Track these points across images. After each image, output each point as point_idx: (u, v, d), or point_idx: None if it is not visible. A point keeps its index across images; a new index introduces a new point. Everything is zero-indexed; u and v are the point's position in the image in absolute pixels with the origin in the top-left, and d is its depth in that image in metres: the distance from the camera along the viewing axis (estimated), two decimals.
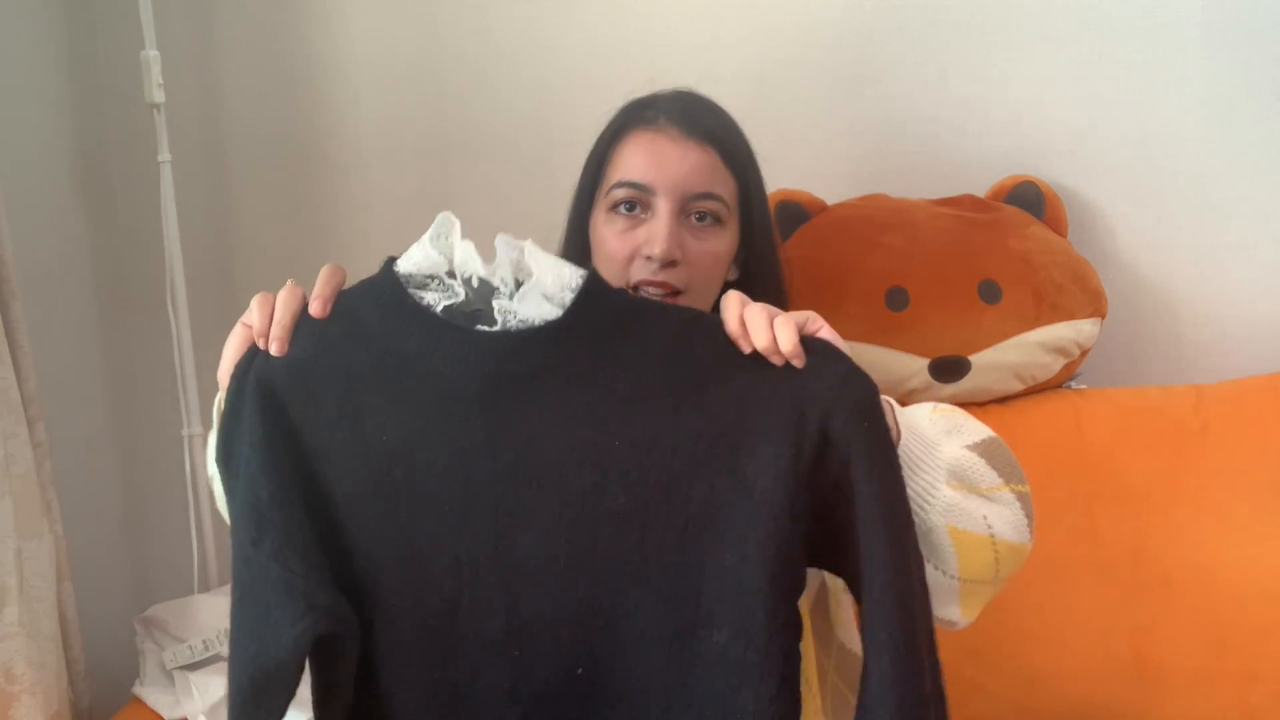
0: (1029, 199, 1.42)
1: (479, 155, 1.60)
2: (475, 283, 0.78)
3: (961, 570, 0.83)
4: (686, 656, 0.75)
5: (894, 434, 0.80)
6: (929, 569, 0.82)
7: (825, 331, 0.77)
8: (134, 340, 1.68)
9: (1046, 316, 1.35)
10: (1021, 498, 0.86)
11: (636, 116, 1.02)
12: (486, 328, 0.76)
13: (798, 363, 0.74)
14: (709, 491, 0.74)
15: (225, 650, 1.33)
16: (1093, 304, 1.38)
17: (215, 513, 1.61)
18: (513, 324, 0.76)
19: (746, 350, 0.75)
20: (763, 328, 0.75)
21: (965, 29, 1.48)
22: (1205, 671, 1.24)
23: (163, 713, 1.27)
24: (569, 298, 0.75)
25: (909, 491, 0.78)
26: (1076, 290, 1.37)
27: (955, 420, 0.89)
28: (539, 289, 0.76)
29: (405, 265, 0.78)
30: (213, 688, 1.27)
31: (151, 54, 1.48)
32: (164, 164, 1.52)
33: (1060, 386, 1.42)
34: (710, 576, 0.74)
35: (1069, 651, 1.27)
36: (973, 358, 1.33)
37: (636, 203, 0.98)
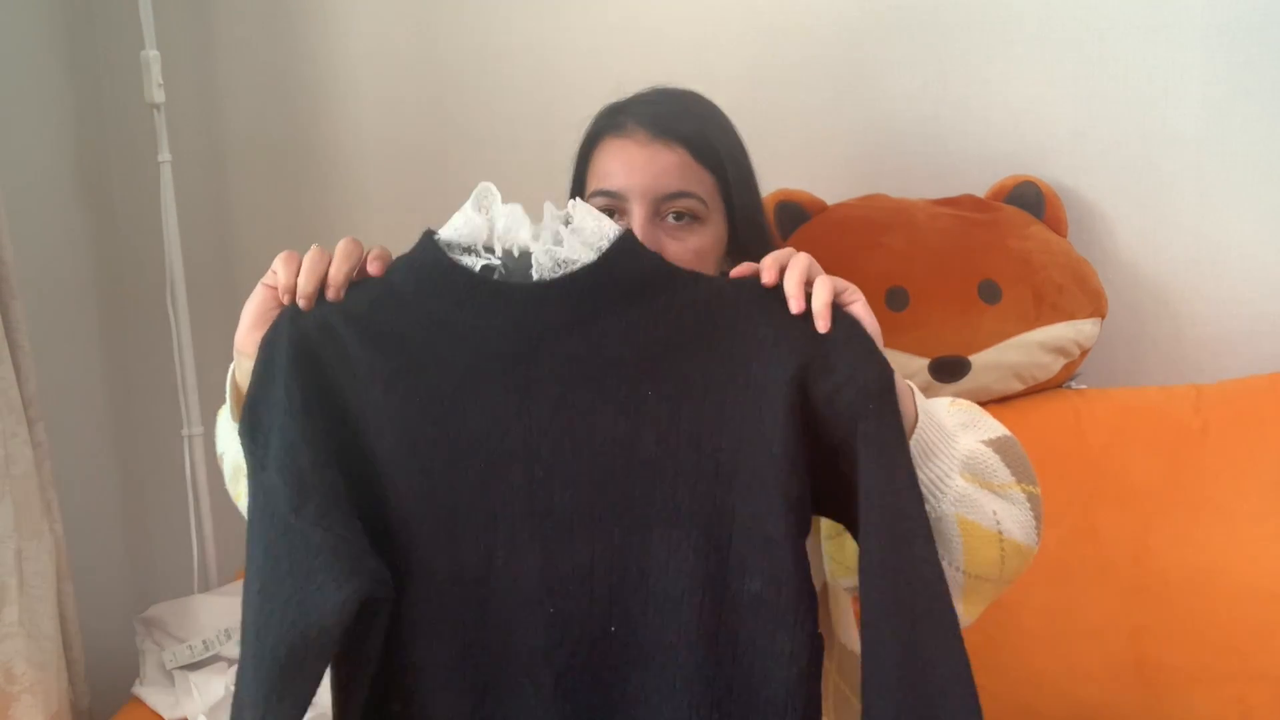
0: (1029, 199, 1.42)
1: (478, 155, 1.60)
2: (516, 253, 0.79)
3: (967, 564, 0.83)
4: (719, 606, 0.76)
5: (911, 418, 0.80)
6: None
7: (859, 307, 0.79)
8: (134, 340, 1.68)
9: (1047, 316, 1.35)
10: (1032, 499, 0.86)
11: (607, 124, 1.03)
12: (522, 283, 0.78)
13: (821, 324, 0.76)
14: (736, 442, 0.76)
15: (225, 650, 1.33)
16: (1093, 304, 1.38)
17: (215, 512, 1.60)
18: (547, 270, 0.77)
19: (768, 282, 0.78)
20: (797, 275, 0.78)
21: (965, 29, 1.48)
22: (1206, 671, 1.24)
23: (163, 713, 1.27)
24: (605, 246, 0.77)
25: (922, 477, 0.79)
26: (1076, 290, 1.37)
27: (972, 414, 0.90)
28: (579, 235, 0.78)
29: (445, 233, 0.80)
30: (213, 688, 1.27)
31: (151, 54, 1.48)
32: (164, 164, 1.52)
33: (1060, 387, 1.42)
34: (740, 525, 0.76)
35: (1069, 651, 1.27)
36: (973, 358, 1.33)
37: (614, 210, 0.98)
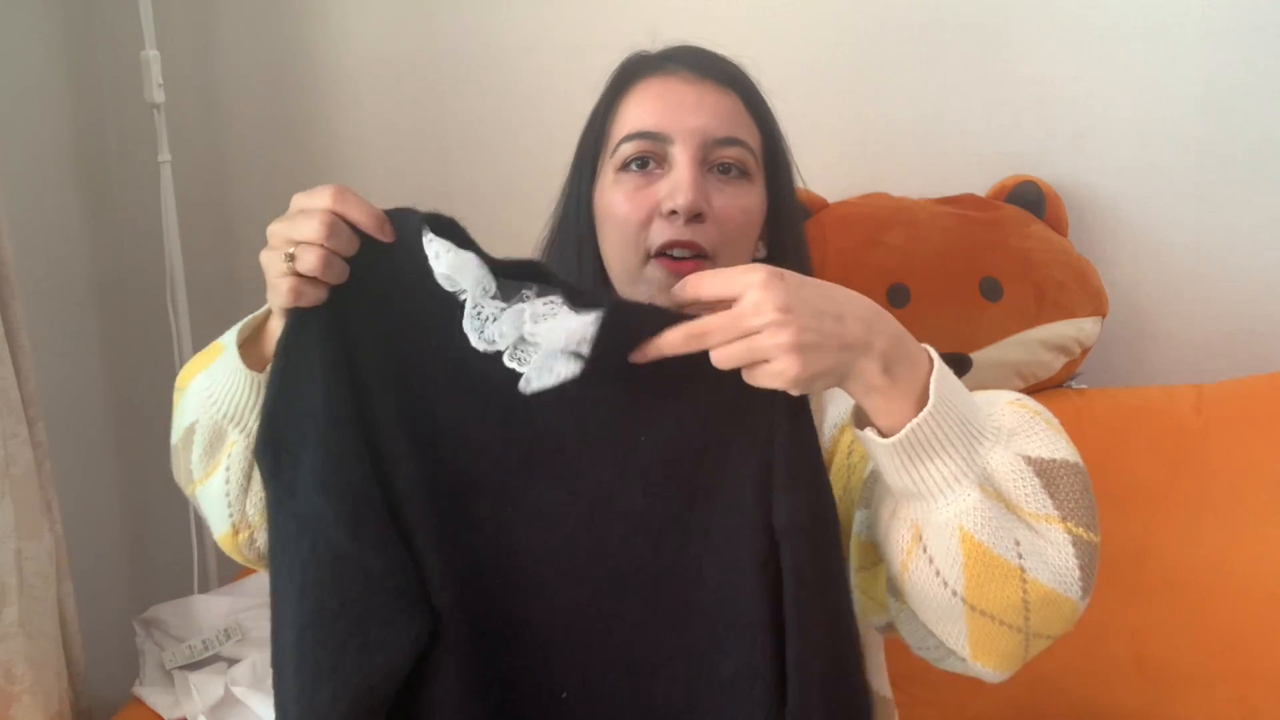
0: (1029, 199, 1.42)
1: (479, 154, 1.60)
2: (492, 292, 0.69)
3: (969, 592, 0.67)
4: (693, 679, 0.68)
5: (917, 389, 0.67)
6: (929, 570, 0.68)
7: (765, 369, 0.66)
8: (134, 340, 1.68)
9: (1048, 314, 1.35)
10: (1079, 544, 0.67)
11: (642, 66, 0.90)
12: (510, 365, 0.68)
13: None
14: (728, 503, 0.68)
15: (225, 650, 1.33)
16: (1093, 303, 1.38)
17: None
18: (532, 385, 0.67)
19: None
20: (723, 349, 0.66)
21: (965, 29, 1.48)
22: (1206, 672, 1.24)
23: (162, 713, 1.27)
24: (586, 349, 0.66)
25: (915, 477, 0.66)
26: (1077, 289, 1.37)
27: (1032, 424, 0.70)
28: (551, 355, 0.66)
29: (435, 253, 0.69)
30: (212, 688, 1.27)
31: (151, 54, 1.48)
32: (164, 164, 1.52)
33: (1061, 386, 1.42)
34: (718, 598, 0.68)
35: (1070, 651, 1.27)
36: (974, 355, 1.33)
37: (649, 157, 0.85)
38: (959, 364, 1.33)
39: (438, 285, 0.68)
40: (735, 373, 0.66)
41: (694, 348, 0.65)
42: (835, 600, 0.67)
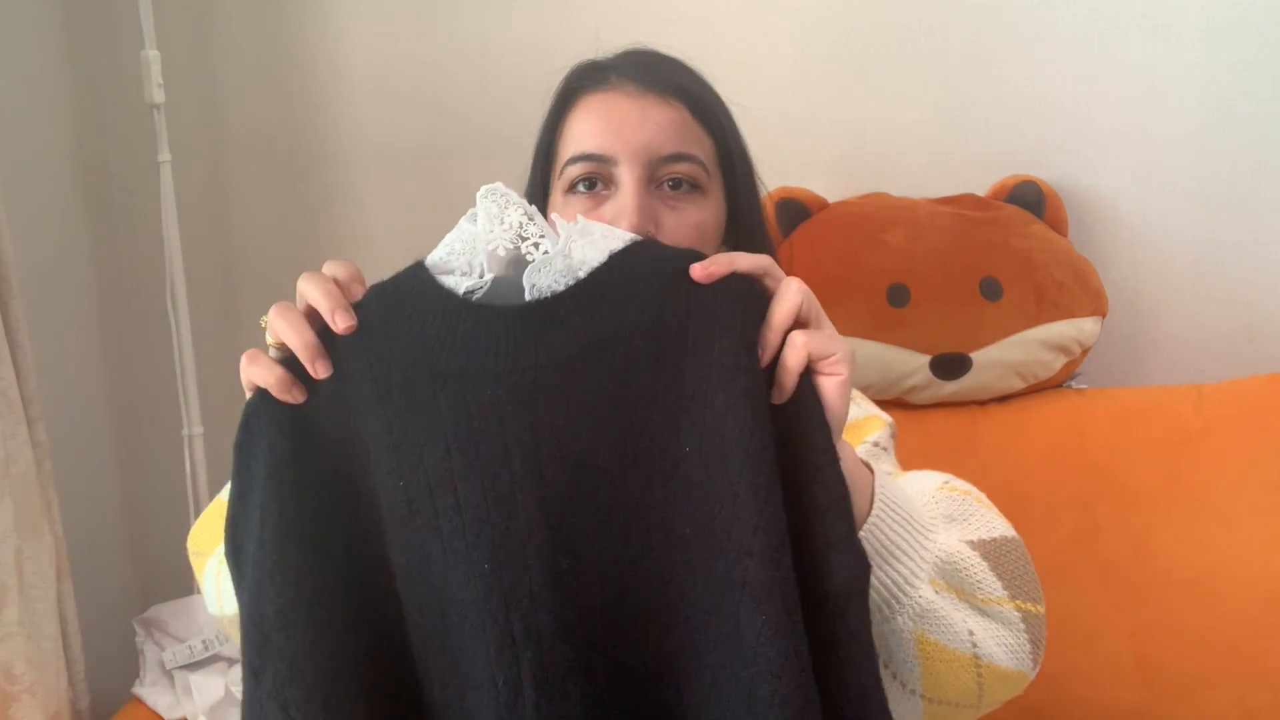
0: (1029, 198, 1.42)
1: (479, 155, 1.60)
2: (506, 259, 0.65)
3: (927, 688, 0.68)
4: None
5: (863, 509, 0.65)
6: (885, 675, 0.67)
7: (833, 384, 0.63)
8: (134, 340, 1.68)
9: (1048, 314, 1.35)
10: (1029, 619, 0.70)
11: (585, 80, 0.87)
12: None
13: (776, 394, 0.63)
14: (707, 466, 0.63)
15: (225, 650, 1.33)
16: (1094, 302, 1.38)
17: None
18: (550, 282, 0.64)
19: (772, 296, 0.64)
20: (782, 313, 0.63)
21: (965, 29, 1.48)
22: (1206, 672, 1.24)
23: (162, 713, 1.27)
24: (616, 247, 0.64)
25: (875, 581, 0.64)
26: (1077, 288, 1.37)
27: (964, 506, 0.73)
28: (588, 237, 0.65)
29: (434, 255, 0.67)
30: (212, 688, 1.27)
31: (151, 54, 1.48)
32: (164, 164, 1.52)
33: (1061, 386, 1.42)
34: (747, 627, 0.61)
35: (1070, 651, 1.27)
36: (974, 355, 1.33)
37: (596, 178, 0.82)
38: (959, 364, 1.33)
39: (420, 337, 0.64)
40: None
41: (763, 279, 0.63)
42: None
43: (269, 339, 0.66)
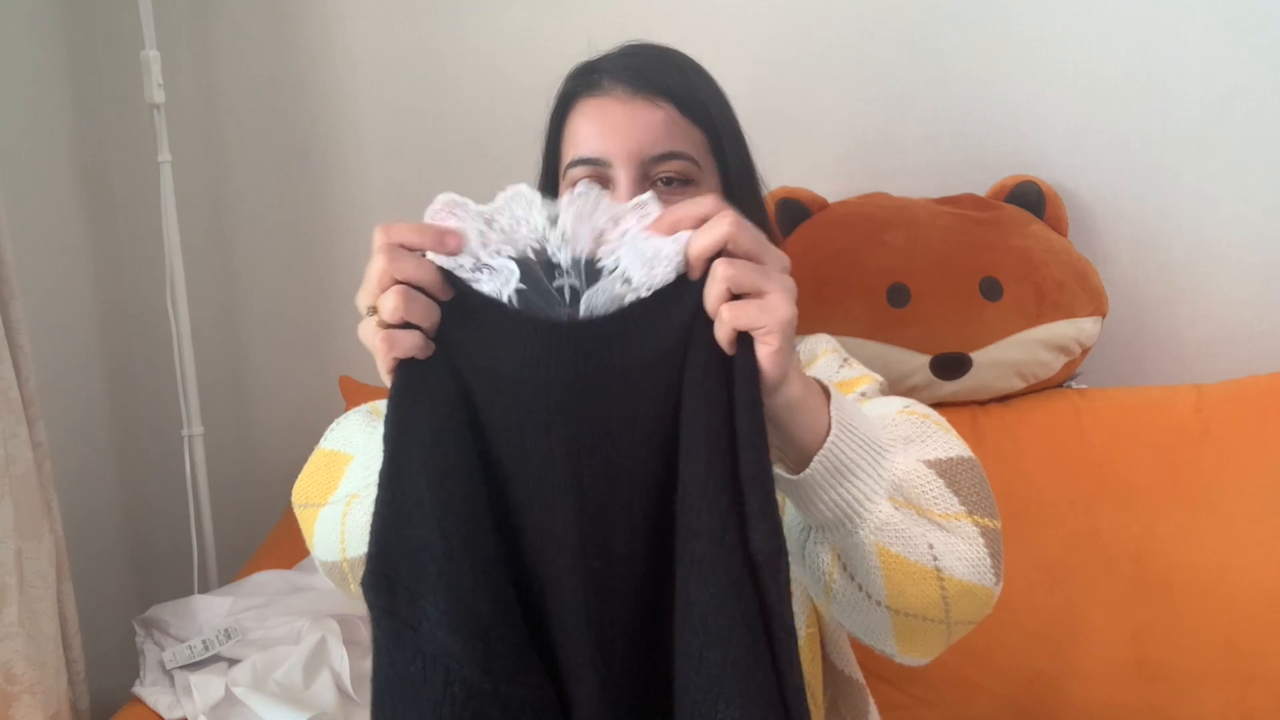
0: (1029, 198, 1.42)
1: (479, 155, 1.60)
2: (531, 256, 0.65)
3: (891, 599, 0.70)
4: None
5: (821, 427, 0.68)
6: (851, 587, 0.71)
7: (765, 351, 0.64)
8: (134, 340, 1.68)
9: (1048, 314, 1.35)
10: (987, 533, 0.72)
11: (580, 84, 0.93)
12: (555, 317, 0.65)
13: (725, 345, 0.64)
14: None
15: (225, 650, 1.33)
16: (1093, 302, 1.38)
17: (215, 512, 1.61)
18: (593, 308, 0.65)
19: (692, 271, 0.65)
20: (718, 284, 0.63)
21: (965, 29, 1.48)
22: (1207, 672, 1.24)
23: (163, 713, 1.27)
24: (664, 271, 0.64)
25: (834, 498, 0.68)
26: (1077, 288, 1.37)
27: (922, 428, 0.76)
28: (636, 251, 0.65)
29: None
30: (212, 688, 1.27)
31: (151, 54, 1.48)
32: (164, 164, 1.52)
33: (1061, 386, 1.42)
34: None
35: (1070, 652, 1.27)
36: (974, 355, 1.33)
37: (595, 180, 0.83)
38: (959, 364, 1.33)
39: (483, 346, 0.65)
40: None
41: (712, 227, 0.63)
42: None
43: (369, 296, 0.66)
